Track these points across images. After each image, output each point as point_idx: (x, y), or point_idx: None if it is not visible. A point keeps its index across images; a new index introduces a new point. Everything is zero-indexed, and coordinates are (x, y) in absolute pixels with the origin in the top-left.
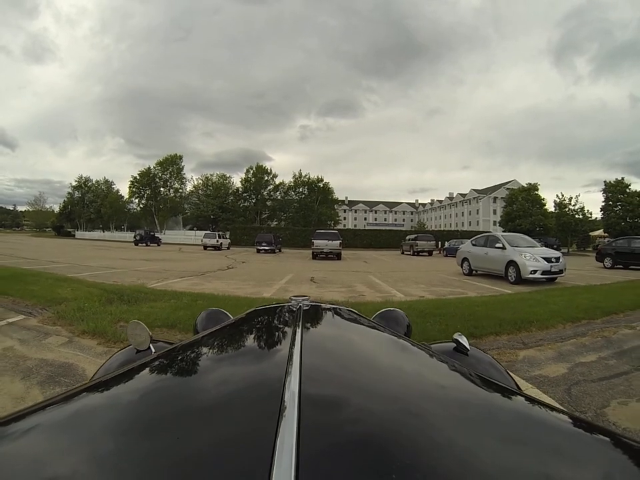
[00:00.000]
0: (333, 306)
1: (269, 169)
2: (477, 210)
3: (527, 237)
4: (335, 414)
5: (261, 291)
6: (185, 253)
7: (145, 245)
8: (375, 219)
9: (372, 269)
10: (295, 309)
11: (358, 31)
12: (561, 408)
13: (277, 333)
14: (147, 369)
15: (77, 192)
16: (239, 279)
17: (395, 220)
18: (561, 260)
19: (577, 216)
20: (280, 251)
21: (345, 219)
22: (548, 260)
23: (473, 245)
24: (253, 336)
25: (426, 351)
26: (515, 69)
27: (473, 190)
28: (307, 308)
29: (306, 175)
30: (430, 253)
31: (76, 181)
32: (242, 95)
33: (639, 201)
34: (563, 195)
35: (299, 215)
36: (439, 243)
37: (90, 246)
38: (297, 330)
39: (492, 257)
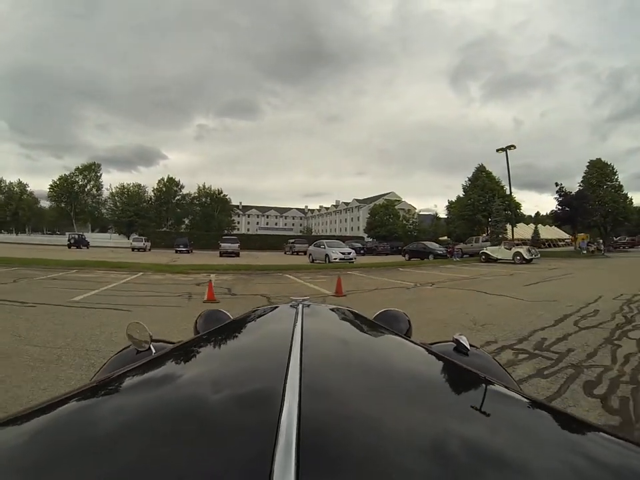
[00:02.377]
0: (333, 306)
1: (177, 180)
2: (358, 217)
3: (340, 241)
4: (336, 414)
5: (208, 263)
6: (120, 253)
7: (76, 247)
8: (267, 224)
9: (256, 261)
10: (294, 309)
11: (268, 33)
12: (562, 409)
13: (277, 333)
14: (148, 369)
15: None
16: (188, 264)
17: (285, 224)
18: (351, 254)
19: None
20: (192, 251)
21: (238, 223)
22: (343, 253)
23: (314, 246)
24: (253, 336)
25: (426, 351)
26: (416, 86)
27: (355, 199)
28: (307, 308)
29: (209, 187)
30: (305, 252)
31: None
32: (140, 87)
33: (469, 215)
34: (408, 210)
35: (202, 221)
36: None
37: (33, 249)
38: (297, 330)
39: (320, 252)
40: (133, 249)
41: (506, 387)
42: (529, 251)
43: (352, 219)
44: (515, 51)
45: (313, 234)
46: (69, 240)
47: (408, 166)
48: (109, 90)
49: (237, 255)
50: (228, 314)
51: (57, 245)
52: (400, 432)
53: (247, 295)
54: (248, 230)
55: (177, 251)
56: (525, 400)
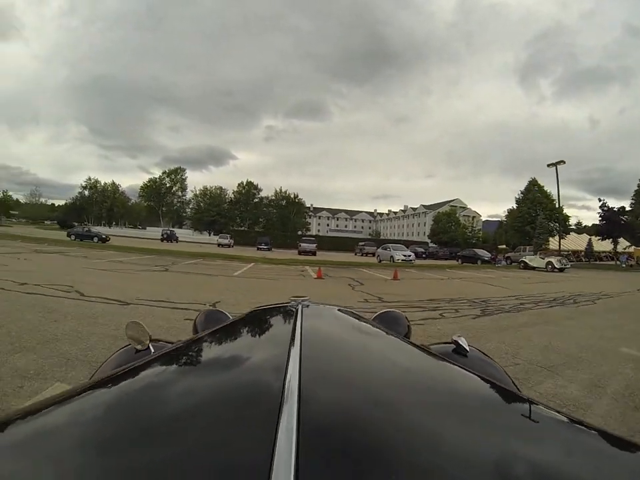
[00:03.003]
0: (332, 306)
1: (256, 184)
2: (424, 223)
3: (403, 246)
4: (335, 414)
5: (296, 258)
6: (210, 248)
7: (168, 241)
8: (337, 226)
9: (330, 259)
10: (294, 309)
11: (331, 33)
12: (559, 410)
13: (276, 333)
14: (147, 369)
15: (85, 191)
16: (281, 258)
17: (355, 227)
18: (411, 256)
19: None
20: (271, 249)
21: (309, 224)
22: (405, 255)
23: (381, 249)
24: (252, 336)
25: (425, 352)
26: (483, 84)
27: (422, 205)
28: (306, 308)
29: (285, 191)
30: (373, 254)
31: (85, 181)
32: (210, 91)
33: (519, 227)
34: (473, 218)
35: (278, 222)
36: None
37: (136, 241)
38: (296, 330)
39: (386, 254)
40: (219, 245)
41: (504, 388)
42: (559, 261)
43: (418, 224)
44: (586, 42)
45: (381, 237)
46: (162, 234)
47: (477, 168)
48: (180, 94)
49: (314, 254)
50: (227, 314)
51: (150, 239)
52: (398, 432)
53: (338, 277)
54: (318, 231)
55: (258, 248)
56: (524, 401)
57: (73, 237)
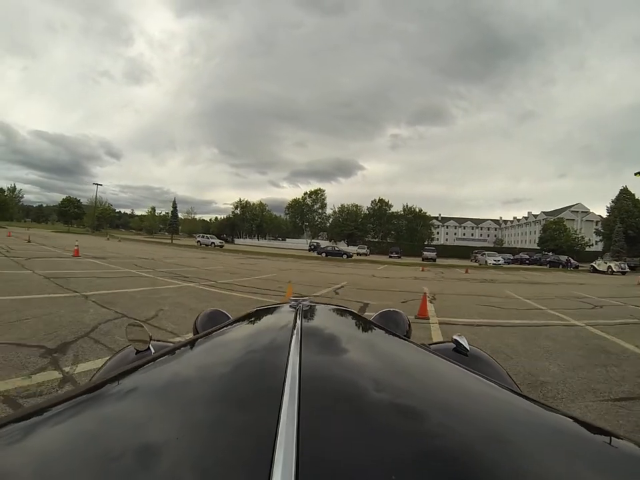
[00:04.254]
0: (332, 306)
1: (387, 200)
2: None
3: (495, 252)
4: (335, 413)
5: (416, 262)
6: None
7: (315, 252)
8: (464, 234)
9: (442, 263)
10: (294, 309)
11: (438, 32)
12: (561, 410)
13: (276, 333)
14: (147, 369)
15: (237, 210)
16: (405, 262)
17: (481, 235)
18: (500, 260)
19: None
20: (401, 257)
21: (438, 233)
22: (495, 260)
23: (480, 255)
24: (252, 336)
25: (425, 351)
26: (612, 62)
27: (543, 212)
28: (306, 308)
29: (412, 206)
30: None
31: (236, 202)
32: (330, 105)
33: (607, 234)
34: (597, 222)
35: (407, 233)
36: None
37: (292, 251)
38: (296, 330)
39: (482, 259)
40: (358, 254)
41: (504, 388)
42: (618, 265)
43: (538, 231)
44: None
45: (504, 245)
46: (309, 246)
47: (617, 161)
48: (302, 110)
49: (434, 260)
50: (227, 314)
51: (299, 249)
52: (398, 433)
53: (435, 271)
54: (446, 240)
55: (390, 256)
56: (524, 401)
57: (323, 254)
